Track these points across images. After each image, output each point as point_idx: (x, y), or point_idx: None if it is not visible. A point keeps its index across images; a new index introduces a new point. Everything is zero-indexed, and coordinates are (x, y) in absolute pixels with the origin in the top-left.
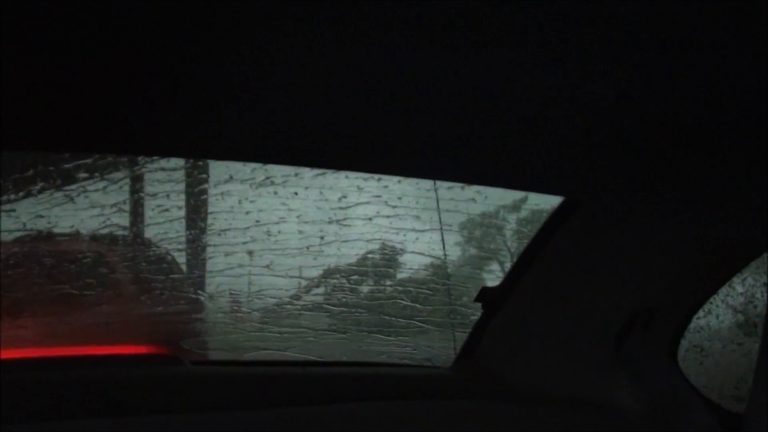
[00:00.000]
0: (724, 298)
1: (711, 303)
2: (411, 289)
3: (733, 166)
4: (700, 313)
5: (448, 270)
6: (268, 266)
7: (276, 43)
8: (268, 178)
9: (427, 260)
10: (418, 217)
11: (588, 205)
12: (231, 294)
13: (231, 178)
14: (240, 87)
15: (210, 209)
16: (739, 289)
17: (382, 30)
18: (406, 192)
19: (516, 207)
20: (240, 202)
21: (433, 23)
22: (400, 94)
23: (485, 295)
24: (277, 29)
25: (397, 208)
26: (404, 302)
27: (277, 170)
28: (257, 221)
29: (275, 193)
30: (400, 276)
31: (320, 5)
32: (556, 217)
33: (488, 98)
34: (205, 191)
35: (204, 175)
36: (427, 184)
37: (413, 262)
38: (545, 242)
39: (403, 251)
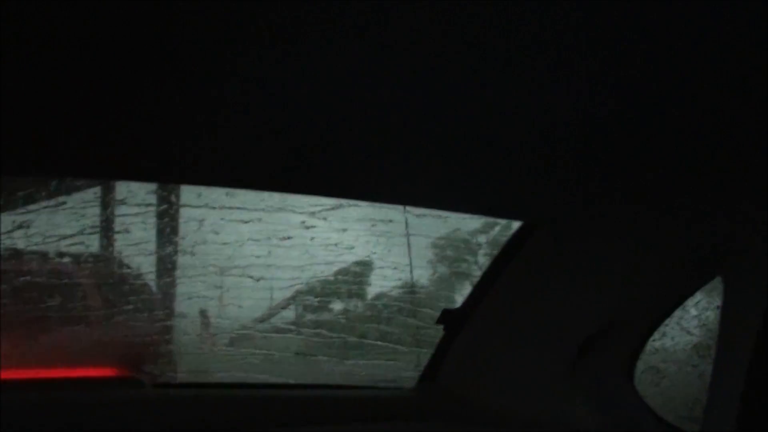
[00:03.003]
0: (679, 320)
1: (666, 325)
2: (379, 309)
3: (685, 194)
4: (656, 335)
5: (417, 290)
6: (236, 287)
7: (248, 71)
8: (238, 200)
9: (396, 281)
10: (386, 238)
11: (545, 229)
12: (199, 315)
13: (202, 200)
14: (212, 113)
15: (180, 230)
16: (693, 311)
17: (348, 62)
18: (375, 214)
19: (487, 228)
20: (209, 224)
21: (386, 55)
22: (362, 123)
23: (447, 316)
24: (248, 57)
25: (367, 229)
26: (372, 323)
27: (247, 192)
28: (226, 243)
29: (244, 215)
30: (368, 297)
31: (291, 36)
32: (515, 240)
33: (446, 125)
34: (175, 212)
35: (174, 197)
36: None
37: (381, 283)
38: (505, 265)
39: (371, 272)
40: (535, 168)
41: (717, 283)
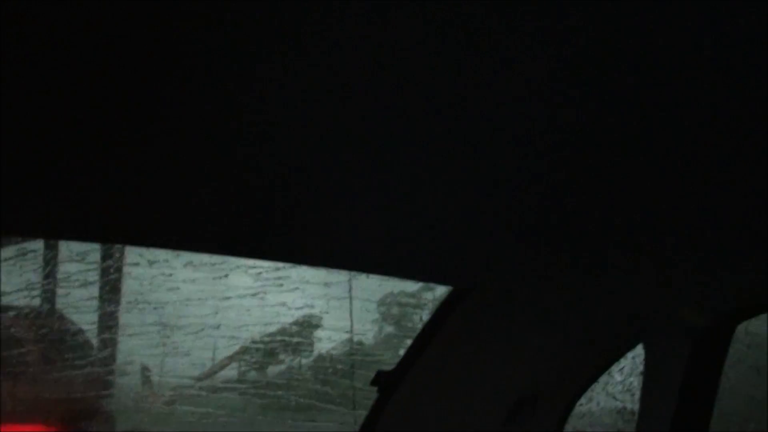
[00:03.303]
0: (604, 386)
1: (592, 390)
2: (320, 370)
3: (610, 265)
4: (583, 399)
5: (358, 351)
6: (178, 345)
7: (195, 140)
8: (182, 259)
9: (337, 341)
10: (329, 299)
11: (475, 295)
12: (140, 372)
13: (145, 259)
14: (154, 176)
15: (122, 287)
16: (618, 377)
17: (288, 137)
18: (318, 275)
19: (433, 286)
20: (153, 282)
21: (305, 127)
22: (305, 191)
23: (380, 378)
24: (191, 120)
25: (310, 290)
26: (312, 384)
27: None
28: (169, 301)
29: (189, 274)
30: (309, 357)
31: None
32: (447, 304)
33: (380, 190)
34: (119, 269)
35: (118, 254)
36: None
37: (323, 344)
38: (437, 329)
39: (313, 333)
40: (465, 236)
41: (640, 350)
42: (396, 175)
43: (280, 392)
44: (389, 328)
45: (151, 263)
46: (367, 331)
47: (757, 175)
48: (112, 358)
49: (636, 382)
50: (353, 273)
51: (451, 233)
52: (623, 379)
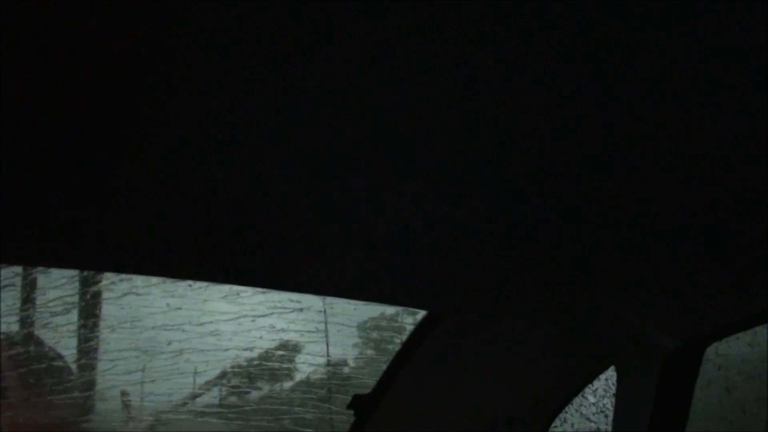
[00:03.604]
0: (578, 407)
1: (566, 412)
2: (299, 395)
3: (581, 293)
4: (557, 421)
5: (337, 375)
6: (158, 371)
7: (161, 161)
8: (162, 286)
9: (317, 366)
10: (308, 324)
11: (450, 319)
12: (120, 398)
13: (125, 285)
14: (134, 201)
15: (102, 313)
16: (591, 399)
17: (263, 162)
18: (297, 300)
19: (413, 311)
20: (133, 307)
21: (281, 155)
22: (278, 218)
23: (357, 402)
24: (162, 147)
25: (289, 315)
26: (291, 408)
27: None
28: (149, 327)
29: (168, 300)
30: (289, 382)
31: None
32: (422, 328)
33: (353, 219)
34: (98, 296)
35: (97, 281)
36: None
37: (303, 369)
38: (412, 352)
39: (292, 358)
40: (439, 261)
41: (613, 371)
42: (371, 201)
43: (259, 417)
44: (369, 352)
45: (130, 289)
46: (347, 356)
47: (724, 203)
48: (92, 383)
49: (609, 403)
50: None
51: (426, 258)
52: (597, 401)
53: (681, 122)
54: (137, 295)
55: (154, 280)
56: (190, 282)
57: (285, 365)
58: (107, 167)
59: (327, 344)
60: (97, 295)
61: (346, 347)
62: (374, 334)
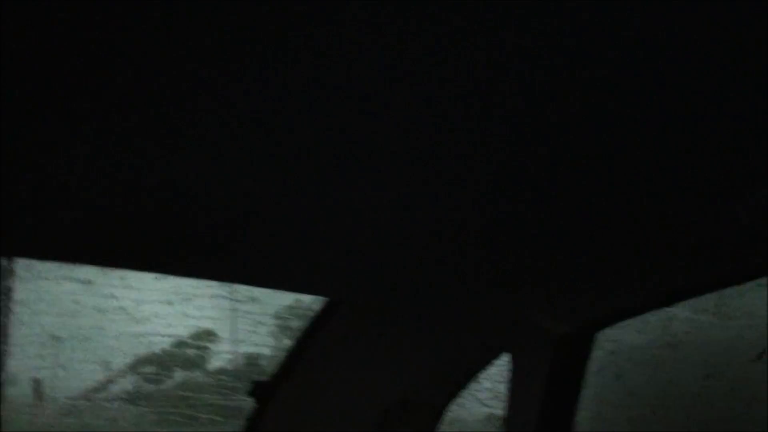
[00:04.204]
0: (474, 392)
1: (462, 396)
2: (218, 382)
3: (476, 280)
4: (453, 405)
5: (256, 363)
6: (72, 357)
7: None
8: (76, 271)
9: (236, 354)
10: (226, 311)
11: (349, 305)
12: (32, 384)
13: (37, 270)
14: (55, 190)
15: (13, 299)
16: (487, 384)
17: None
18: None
19: None
20: (45, 293)
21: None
22: (186, 201)
23: (257, 388)
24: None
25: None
26: (207, 397)
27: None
28: (63, 312)
29: (83, 285)
30: (205, 369)
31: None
32: (321, 315)
33: (256, 198)
34: (9, 281)
35: (8, 266)
36: None
37: (220, 356)
38: (311, 339)
39: (210, 345)
40: (338, 248)
41: (508, 359)
42: (274, 184)
43: (172, 405)
44: (286, 341)
45: (41, 275)
46: (263, 344)
47: (617, 188)
48: (1, 370)
49: (504, 388)
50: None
51: (325, 244)
52: (492, 386)
53: (580, 125)
54: (50, 281)
55: (68, 266)
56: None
57: (199, 353)
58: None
59: (238, 333)
60: (7, 281)
61: (262, 336)
62: (292, 323)
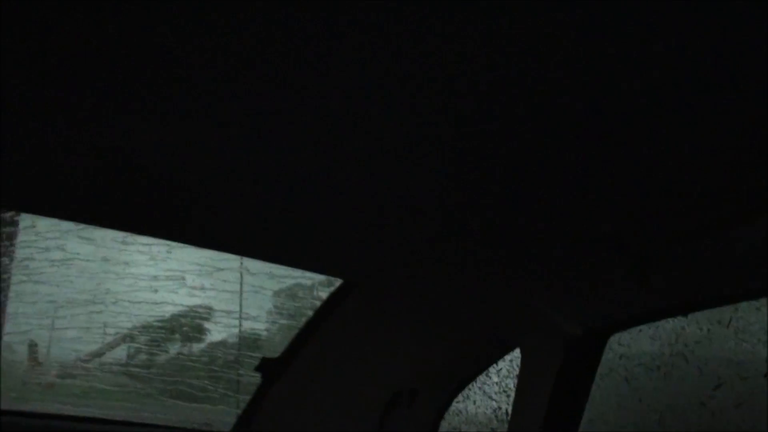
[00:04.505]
0: (481, 385)
1: (469, 389)
2: (211, 354)
3: (492, 274)
4: (460, 397)
5: (252, 338)
6: (70, 321)
7: (100, 108)
8: (79, 230)
9: (231, 328)
10: (225, 286)
11: (363, 290)
12: (29, 347)
13: (40, 231)
14: (64, 144)
15: (14, 261)
16: (495, 378)
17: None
18: (216, 261)
19: (330, 282)
20: (48, 251)
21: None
22: (206, 173)
23: (265, 364)
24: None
25: (207, 277)
26: (203, 367)
27: (92, 228)
28: (61, 276)
29: (85, 248)
30: (201, 342)
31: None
32: (336, 296)
33: (275, 177)
34: (11, 240)
35: (10, 224)
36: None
37: (217, 329)
38: (323, 320)
39: (208, 318)
40: (356, 230)
41: (518, 353)
42: (291, 163)
43: (166, 376)
44: (283, 321)
45: (43, 235)
46: (260, 321)
47: (629, 195)
48: None
49: (512, 384)
50: (247, 264)
51: (343, 226)
52: (500, 381)
53: (590, 122)
54: (51, 242)
55: (69, 228)
56: (106, 232)
57: (197, 325)
58: (29, 104)
59: (240, 308)
60: (11, 241)
61: (260, 313)
62: (289, 303)
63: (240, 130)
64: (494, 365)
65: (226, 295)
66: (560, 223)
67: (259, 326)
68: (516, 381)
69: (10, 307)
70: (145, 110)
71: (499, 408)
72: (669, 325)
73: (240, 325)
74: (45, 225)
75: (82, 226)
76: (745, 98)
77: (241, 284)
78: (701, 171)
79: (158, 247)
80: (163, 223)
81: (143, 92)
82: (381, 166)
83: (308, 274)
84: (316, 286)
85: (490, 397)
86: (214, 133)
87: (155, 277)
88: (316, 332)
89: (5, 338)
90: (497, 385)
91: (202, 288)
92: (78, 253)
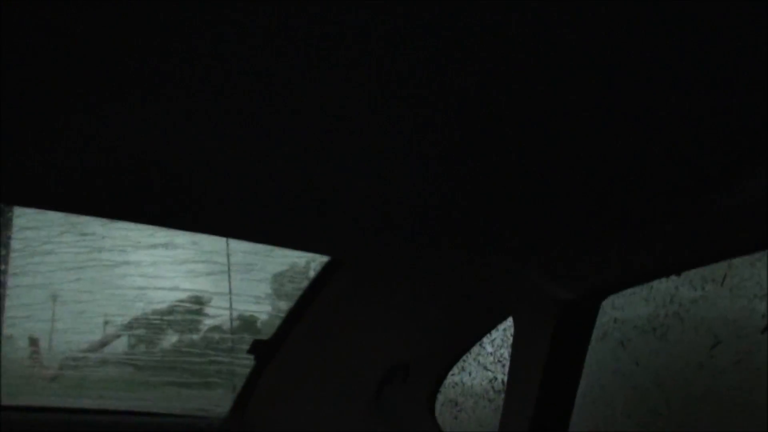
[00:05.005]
0: (476, 356)
1: (464, 361)
2: (210, 341)
3: (480, 244)
4: (455, 369)
5: (250, 325)
6: (70, 315)
7: (87, 94)
8: (74, 223)
9: (230, 317)
10: (221, 274)
11: (351, 265)
12: (29, 340)
13: (38, 223)
14: (51, 133)
15: (12, 251)
16: (489, 348)
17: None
18: (210, 249)
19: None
20: (45, 244)
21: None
22: (189, 159)
23: (257, 346)
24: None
25: (202, 265)
26: (202, 354)
27: (89, 221)
28: (62, 269)
29: (82, 237)
30: (199, 329)
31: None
32: (323, 275)
33: (264, 162)
34: (8, 233)
35: (8, 217)
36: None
37: (215, 316)
38: (313, 299)
39: (205, 306)
40: (344, 207)
41: (509, 323)
42: (279, 141)
43: (167, 366)
44: (281, 304)
45: (40, 225)
46: (258, 308)
47: (616, 160)
48: None
49: (507, 353)
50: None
51: (328, 202)
52: (494, 351)
53: (574, 91)
54: (48, 236)
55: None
56: (104, 227)
57: (195, 316)
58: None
59: (231, 296)
60: (6, 234)
61: (257, 300)
62: (286, 288)
63: (225, 112)
64: (488, 335)
65: (222, 284)
66: (549, 186)
67: (256, 313)
68: (510, 350)
69: (8, 304)
70: (131, 101)
71: (495, 378)
72: (662, 286)
73: (238, 314)
74: (40, 218)
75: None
76: (742, 52)
77: (228, 270)
78: (692, 126)
79: (156, 240)
80: (152, 208)
81: (126, 82)
82: (364, 141)
83: (302, 257)
84: (311, 269)
85: (486, 368)
86: (198, 117)
87: (154, 271)
88: (306, 312)
89: (4, 334)
90: (492, 355)
91: (198, 280)
92: (72, 246)
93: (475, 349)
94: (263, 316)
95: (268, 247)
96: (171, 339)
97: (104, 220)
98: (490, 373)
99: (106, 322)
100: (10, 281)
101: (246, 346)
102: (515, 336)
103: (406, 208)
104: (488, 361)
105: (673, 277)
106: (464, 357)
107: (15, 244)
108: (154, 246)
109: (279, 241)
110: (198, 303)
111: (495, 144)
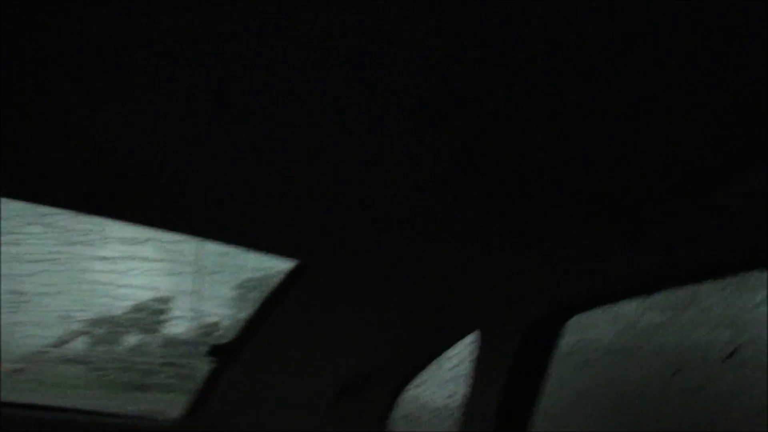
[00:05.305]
0: (437, 370)
1: (424, 374)
2: (173, 348)
3: (448, 256)
4: (416, 381)
5: (214, 330)
6: (30, 312)
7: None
8: (41, 214)
9: (194, 321)
10: (188, 277)
11: (316, 270)
12: None
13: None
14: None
15: None
16: (449, 363)
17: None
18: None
19: None
20: (9, 234)
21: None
22: (147, 147)
23: (216, 349)
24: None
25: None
26: (160, 362)
27: (46, 210)
28: (27, 258)
29: (44, 233)
30: (160, 332)
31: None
32: (287, 279)
33: (228, 154)
34: None
35: None
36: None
37: (177, 320)
38: (274, 305)
39: (168, 309)
40: (310, 210)
41: (474, 337)
42: (245, 142)
43: (125, 368)
44: (247, 311)
45: (4, 220)
46: (223, 314)
47: (590, 177)
48: None
49: (465, 370)
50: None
51: (297, 206)
52: (457, 365)
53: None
54: (8, 230)
55: (30, 215)
56: (68, 220)
57: (159, 316)
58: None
59: (201, 300)
60: None
61: (222, 305)
62: (255, 294)
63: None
64: (449, 350)
65: (185, 287)
66: (517, 198)
67: (221, 319)
68: (471, 366)
69: None
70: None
71: (455, 393)
72: (628, 308)
73: (201, 318)
74: (4, 208)
75: (40, 211)
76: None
77: (196, 272)
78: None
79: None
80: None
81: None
82: (331, 142)
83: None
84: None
85: (445, 382)
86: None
87: (117, 270)
88: (267, 317)
89: None
90: (451, 370)
91: (161, 280)
92: (33, 242)
93: (435, 363)
94: (227, 321)
95: (239, 250)
96: (132, 338)
97: (71, 213)
98: (449, 388)
99: (68, 317)
100: None
101: (207, 349)
102: (480, 350)
103: (373, 212)
104: (448, 376)
105: (639, 302)
106: (425, 370)
107: None
108: (122, 241)
109: (246, 242)
110: (163, 303)
111: (470, 142)
